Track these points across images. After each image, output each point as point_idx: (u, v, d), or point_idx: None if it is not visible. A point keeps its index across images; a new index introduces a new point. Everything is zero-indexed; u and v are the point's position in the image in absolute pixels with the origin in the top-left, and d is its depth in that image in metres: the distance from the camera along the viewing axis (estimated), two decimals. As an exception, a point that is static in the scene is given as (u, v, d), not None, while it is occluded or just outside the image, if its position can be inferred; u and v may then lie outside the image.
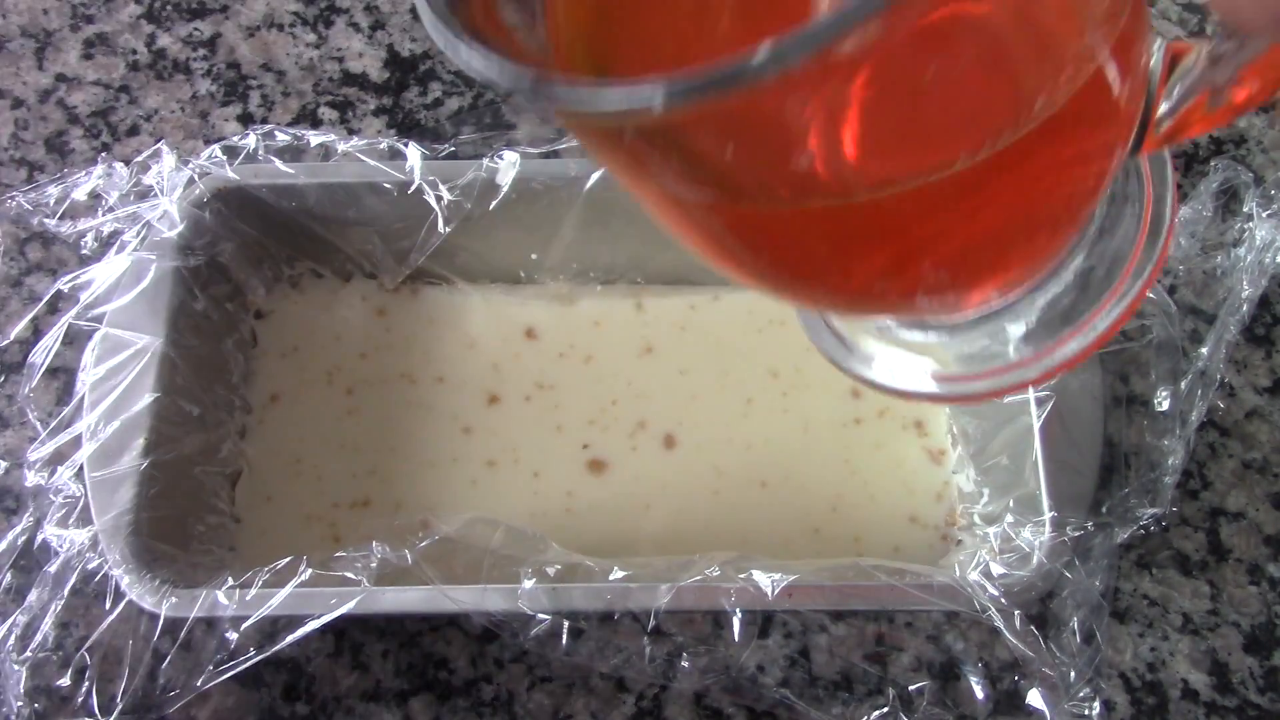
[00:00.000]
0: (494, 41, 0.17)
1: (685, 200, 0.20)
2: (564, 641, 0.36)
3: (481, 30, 0.17)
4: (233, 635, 0.37)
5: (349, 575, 0.36)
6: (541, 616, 0.35)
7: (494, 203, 0.42)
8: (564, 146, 0.44)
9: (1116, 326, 0.25)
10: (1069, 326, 0.25)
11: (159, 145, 0.43)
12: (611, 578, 0.36)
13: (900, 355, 0.29)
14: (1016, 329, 0.27)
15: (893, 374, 0.29)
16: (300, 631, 0.36)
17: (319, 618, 0.35)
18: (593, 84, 0.15)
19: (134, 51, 0.52)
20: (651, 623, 0.36)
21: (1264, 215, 0.41)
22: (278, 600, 0.35)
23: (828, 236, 0.20)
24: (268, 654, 0.36)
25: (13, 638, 0.37)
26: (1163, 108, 0.20)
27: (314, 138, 0.43)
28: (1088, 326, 0.25)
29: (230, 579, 0.36)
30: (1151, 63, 0.20)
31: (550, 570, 0.37)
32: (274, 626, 0.38)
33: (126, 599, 0.37)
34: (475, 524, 0.39)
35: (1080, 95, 0.18)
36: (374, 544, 0.37)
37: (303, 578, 0.36)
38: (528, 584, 0.36)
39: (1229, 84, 0.19)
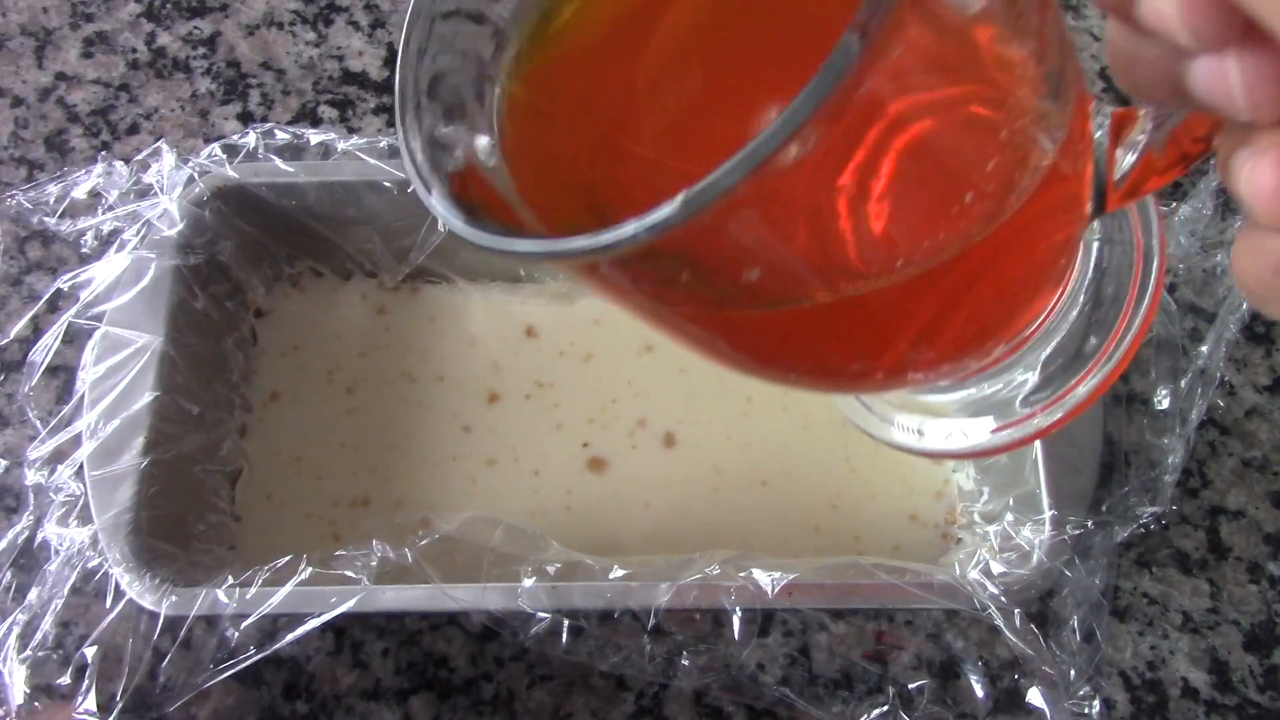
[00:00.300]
0: (476, 192, 0.20)
1: (661, 311, 0.21)
2: (564, 640, 0.36)
3: (466, 182, 0.20)
4: (233, 634, 0.37)
5: (349, 574, 0.36)
6: (541, 615, 0.35)
7: (494, 201, 0.42)
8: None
9: (1118, 371, 0.26)
10: (1078, 370, 0.26)
11: (159, 144, 0.43)
12: (611, 576, 0.36)
13: (919, 417, 0.30)
14: (1026, 379, 0.27)
15: (921, 437, 0.30)
16: (300, 630, 0.36)
17: (319, 616, 0.35)
18: (508, 236, 0.18)
19: (134, 50, 0.52)
20: (651, 621, 0.36)
21: (1264, 213, 0.40)
22: (278, 599, 0.35)
23: (807, 336, 0.22)
24: (268, 652, 0.36)
25: (13, 636, 0.37)
26: (1118, 170, 0.21)
27: (314, 136, 0.43)
28: (1094, 369, 0.26)
29: (230, 577, 0.36)
30: (1098, 134, 0.21)
31: (550, 569, 0.37)
32: (274, 625, 0.38)
33: (126, 598, 0.37)
34: (475, 522, 0.39)
35: (1035, 183, 0.19)
36: (374, 542, 0.37)
37: (303, 576, 0.36)
38: (527, 583, 0.36)
39: (1167, 144, 0.20)
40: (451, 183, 0.20)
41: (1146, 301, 0.26)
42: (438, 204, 0.19)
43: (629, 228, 0.15)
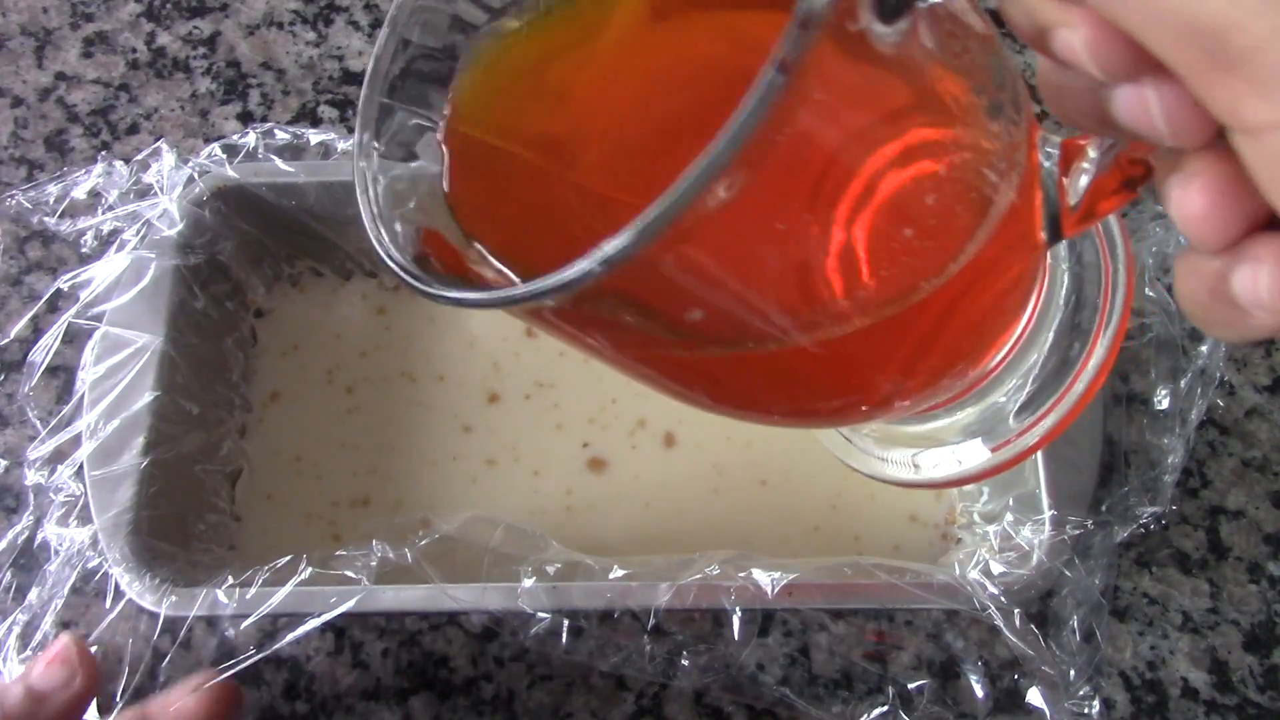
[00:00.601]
0: (430, 244, 0.21)
1: (619, 358, 0.22)
2: (564, 640, 0.36)
3: (425, 235, 0.21)
4: (233, 633, 0.37)
5: (349, 574, 0.36)
6: (541, 615, 0.35)
7: (494, 201, 0.42)
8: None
9: (1100, 378, 0.26)
10: (1059, 385, 0.27)
11: (159, 144, 0.43)
12: (611, 576, 0.36)
13: (908, 449, 0.30)
14: (1008, 401, 0.28)
15: (916, 469, 0.30)
16: (300, 630, 0.36)
17: (319, 616, 0.35)
18: (444, 286, 0.19)
19: (134, 50, 0.52)
20: (651, 621, 0.36)
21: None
22: (278, 599, 0.35)
23: (762, 377, 0.22)
24: (267, 652, 0.36)
25: (13, 636, 0.37)
26: (1071, 198, 0.21)
27: (314, 136, 0.43)
28: (1077, 380, 0.26)
29: (230, 578, 0.36)
30: (1047, 164, 0.21)
31: (550, 569, 0.36)
32: (274, 625, 0.38)
33: (126, 598, 0.37)
34: (475, 522, 0.39)
35: (978, 219, 0.19)
36: (374, 542, 0.37)
37: (303, 576, 0.36)
38: (527, 582, 0.36)
39: (1111, 168, 0.21)
40: (415, 235, 0.20)
41: (1118, 311, 0.26)
42: (394, 255, 0.20)
43: (558, 276, 0.16)
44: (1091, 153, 0.21)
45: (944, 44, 0.18)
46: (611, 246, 0.15)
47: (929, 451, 0.30)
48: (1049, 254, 0.26)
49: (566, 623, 0.36)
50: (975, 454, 0.29)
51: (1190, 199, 0.17)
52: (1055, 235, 0.22)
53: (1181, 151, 0.17)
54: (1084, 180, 0.21)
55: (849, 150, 0.17)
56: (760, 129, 0.14)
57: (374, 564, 0.36)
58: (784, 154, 0.15)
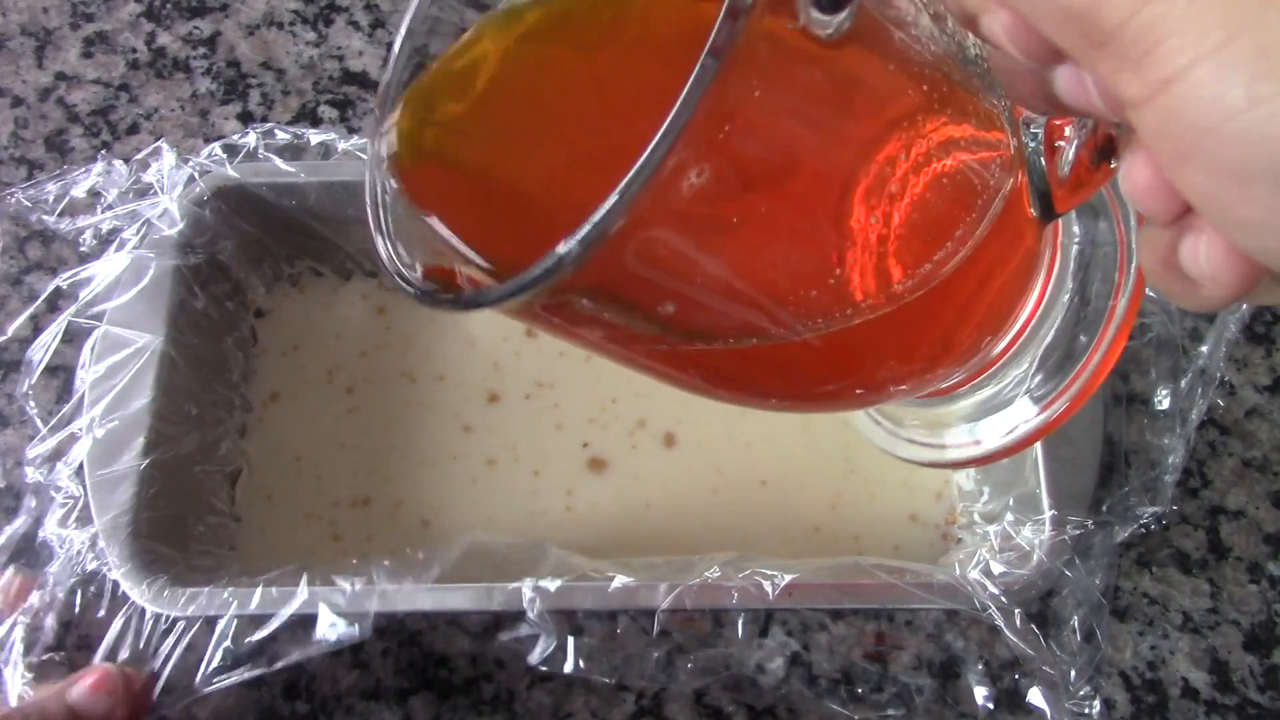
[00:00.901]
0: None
1: (594, 341, 0.22)
2: (569, 657, 0.36)
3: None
4: (233, 647, 0.37)
5: (344, 584, 0.36)
6: (546, 638, 0.35)
7: (494, 201, 0.42)
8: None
9: (1114, 355, 0.26)
10: (1073, 366, 0.27)
11: (159, 143, 0.43)
12: (612, 589, 0.36)
13: (924, 429, 0.30)
14: (1022, 381, 0.28)
15: (926, 448, 0.30)
16: (302, 654, 0.36)
17: (320, 619, 0.35)
18: (419, 288, 0.19)
19: (134, 50, 0.52)
20: (657, 629, 0.36)
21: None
22: (277, 623, 0.35)
23: (753, 365, 0.22)
24: (267, 670, 0.36)
25: (16, 638, 0.37)
26: (1061, 173, 0.22)
27: (314, 136, 0.43)
28: (1094, 354, 0.27)
29: (230, 586, 0.36)
30: (1032, 144, 0.22)
31: (552, 586, 0.36)
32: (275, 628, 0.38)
33: (127, 600, 0.37)
34: (475, 546, 0.39)
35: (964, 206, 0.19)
36: (373, 569, 0.37)
37: (302, 598, 0.35)
38: (529, 593, 0.36)
39: (1088, 144, 0.21)
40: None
41: (1128, 292, 0.26)
42: (398, 267, 0.20)
43: (517, 280, 0.16)
44: (1069, 131, 0.21)
45: (905, 31, 0.18)
46: (570, 241, 0.15)
47: (984, 422, 0.30)
48: (1058, 234, 0.26)
49: (572, 640, 0.36)
50: (984, 437, 0.29)
51: (1136, 171, 0.18)
52: (1048, 212, 0.22)
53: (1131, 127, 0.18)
54: (1068, 157, 0.21)
55: (811, 140, 0.17)
56: (698, 113, 0.14)
57: (375, 583, 0.36)
58: (738, 142, 0.16)
